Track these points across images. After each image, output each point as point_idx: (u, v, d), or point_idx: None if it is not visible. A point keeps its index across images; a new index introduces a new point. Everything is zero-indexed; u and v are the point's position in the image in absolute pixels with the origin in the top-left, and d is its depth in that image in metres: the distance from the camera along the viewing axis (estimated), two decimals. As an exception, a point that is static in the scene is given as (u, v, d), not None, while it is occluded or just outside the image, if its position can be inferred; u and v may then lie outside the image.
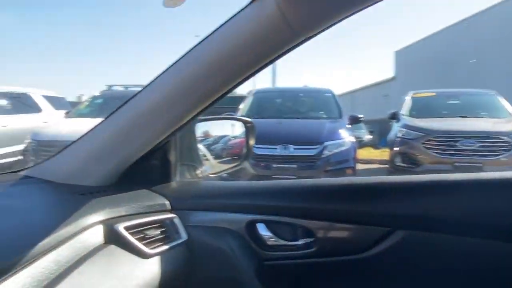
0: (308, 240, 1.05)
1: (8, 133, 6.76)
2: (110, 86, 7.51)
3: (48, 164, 1.07)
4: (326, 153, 5.13)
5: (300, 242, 1.06)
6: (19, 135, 6.33)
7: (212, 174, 1.28)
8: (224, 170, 1.40)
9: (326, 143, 5.17)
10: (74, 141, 1.04)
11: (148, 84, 0.96)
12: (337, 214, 1.05)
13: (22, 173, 1.05)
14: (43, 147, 5.35)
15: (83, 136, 1.03)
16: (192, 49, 0.91)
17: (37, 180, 1.01)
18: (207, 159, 1.40)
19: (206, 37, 0.90)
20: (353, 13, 0.83)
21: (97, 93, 7.39)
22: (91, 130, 1.02)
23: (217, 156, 1.51)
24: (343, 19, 0.84)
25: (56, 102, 8.31)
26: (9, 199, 0.87)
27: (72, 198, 0.93)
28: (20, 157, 6.19)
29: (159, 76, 0.95)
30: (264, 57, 0.89)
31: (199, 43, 0.90)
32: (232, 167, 1.40)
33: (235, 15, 0.86)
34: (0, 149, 6.62)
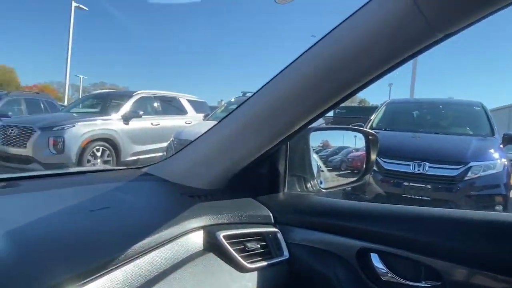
0: (435, 283, 0.85)
1: (158, 131, 7.74)
2: (244, 93, 7.99)
3: (166, 163, 1.11)
4: (471, 175, 4.43)
5: (423, 284, 0.87)
6: (167, 133, 7.19)
7: (325, 189, 1.17)
8: (339, 186, 1.27)
9: (472, 164, 4.47)
10: (190, 143, 1.06)
11: (260, 89, 0.92)
12: (477, 258, 0.82)
13: (143, 169, 1.12)
14: (182, 146, 5.96)
15: (197, 138, 1.04)
16: (309, 48, 0.83)
17: (154, 178, 1.06)
18: (322, 170, 1.29)
19: (325, 36, 0.80)
20: (501, 9, 0.65)
21: (232, 99, 7.95)
22: (205, 133, 1.02)
23: (334, 168, 1.39)
24: (489, 15, 0.65)
25: (198, 106, 9.20)
26: (125, 194, 0.92)
27: (180, 200, 0.93)
28: (164, 153, 7.01)
29: (271, 80, 0.89)
30: (394, 56, 0.75)
31: (317, 42, 0.81)
32: (349, 184, 1.26)
33: (359, 9, 0.75)
34: (152, 144, 7.61)
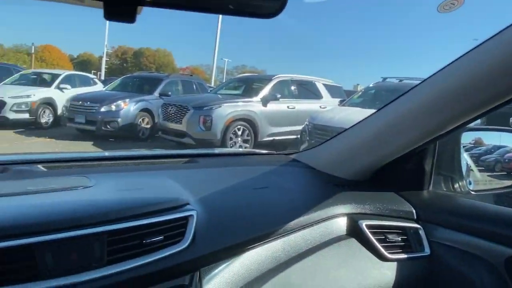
0: None
1: (294, 115, 8.01)
2: (384, 78, 7.60)
3: (314, 152, 1.22)
4: None
5: None
6: (302, 117, 7.39)
7: (474, 191, 1.12)
8: (491, 190, 1.19)
9: None
10: (338, 134, 1.14)
11: (417, 85, 0.93)
12: None
13: (292, 156, 1.25)
14: (316, 130, 6.09)
15: (346, 130, 1.11)
16: (474, 49, 0.80)
17: (302, 165, 1.18)
18: (471, 169, 1.23)
19: (490, 38, 0.77)
20: None
21: (371, 85, 7.67)
22: (355, 125, 1.09)
23: (486, 169, 1.30)
24: None
25: (334, 91, 9.16)
26: (279, 177, 1.06)
27: (326, 187, 1.03)
28: (298, 136, 7.24)
29: (429, 78, 0.90)
30: None
31: (482, 43, 0.79)
32: (504, 188, 1.17)
33: None
34: (287, 127, 7.93)
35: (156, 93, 9.23)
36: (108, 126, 8.13)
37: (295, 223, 0.84)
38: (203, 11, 0.40)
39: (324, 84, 9.11)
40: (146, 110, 8.73)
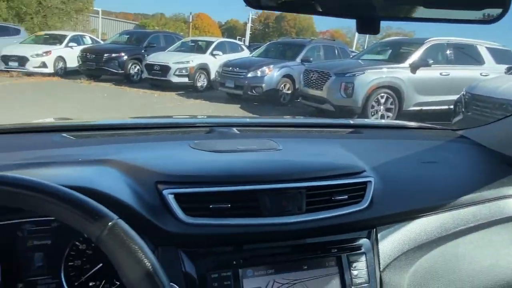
0: None
1: (447, 83, 7.23)
2: None
3: (485, 129, 1.17)
4: None
5: None
6: (457, 85, 6.63)
7: None
8: None
9: None
10: None
11: None
12: None
13: (459, 132, 1.22)
14: (475, 101, 5.38)
15: None
16: None
17: (471, 142, 1.14)
18: None
19: None
20: None
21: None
22: None
23: None
24: None
25: (500, 55, 7.84)
26: (447, 153, 1.07)
27: (499, 166, 1.00)
28: (450, 107, 6.56)
29: None
30: None
31: None
32: None
33: None
34: (438, 96, 7.23)
35: (298, 59, 9.42)
36: (254, 91, 8.71)
37: (466, 199, 0.86)
38: (422, 21, 0.45)
39: (488, 48, 7.88)
40: (288, 76, 9.03)
